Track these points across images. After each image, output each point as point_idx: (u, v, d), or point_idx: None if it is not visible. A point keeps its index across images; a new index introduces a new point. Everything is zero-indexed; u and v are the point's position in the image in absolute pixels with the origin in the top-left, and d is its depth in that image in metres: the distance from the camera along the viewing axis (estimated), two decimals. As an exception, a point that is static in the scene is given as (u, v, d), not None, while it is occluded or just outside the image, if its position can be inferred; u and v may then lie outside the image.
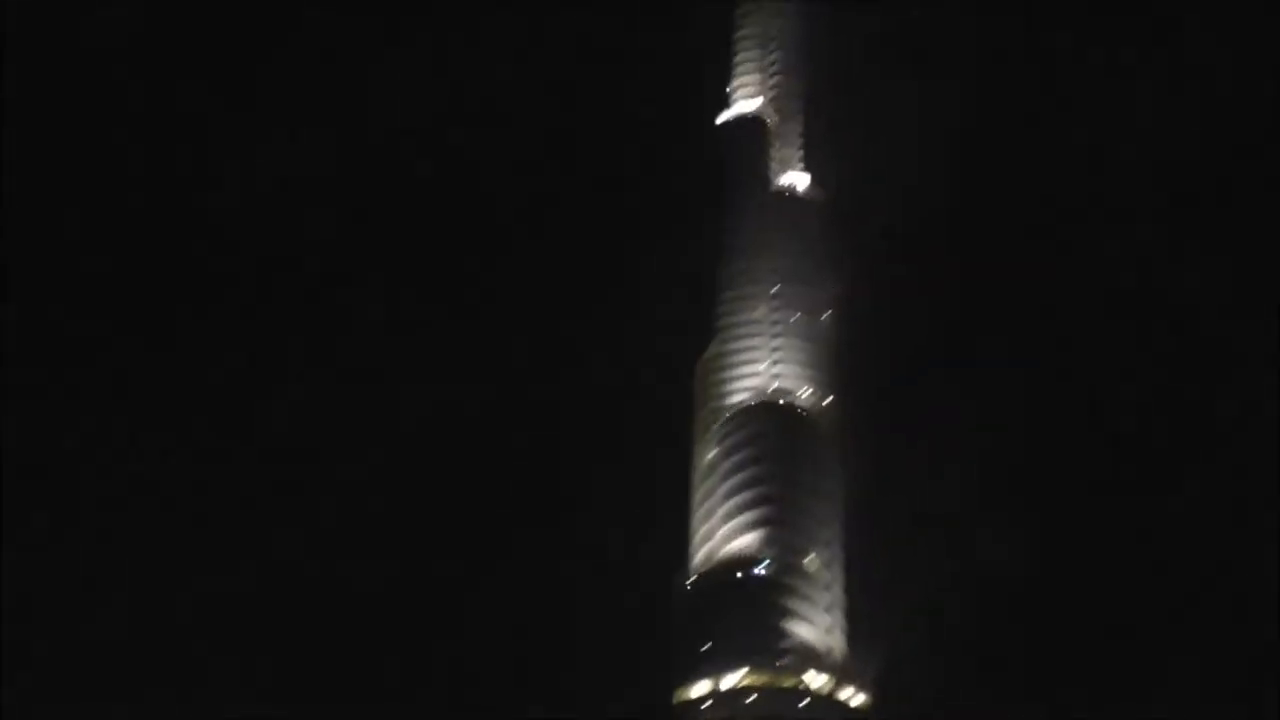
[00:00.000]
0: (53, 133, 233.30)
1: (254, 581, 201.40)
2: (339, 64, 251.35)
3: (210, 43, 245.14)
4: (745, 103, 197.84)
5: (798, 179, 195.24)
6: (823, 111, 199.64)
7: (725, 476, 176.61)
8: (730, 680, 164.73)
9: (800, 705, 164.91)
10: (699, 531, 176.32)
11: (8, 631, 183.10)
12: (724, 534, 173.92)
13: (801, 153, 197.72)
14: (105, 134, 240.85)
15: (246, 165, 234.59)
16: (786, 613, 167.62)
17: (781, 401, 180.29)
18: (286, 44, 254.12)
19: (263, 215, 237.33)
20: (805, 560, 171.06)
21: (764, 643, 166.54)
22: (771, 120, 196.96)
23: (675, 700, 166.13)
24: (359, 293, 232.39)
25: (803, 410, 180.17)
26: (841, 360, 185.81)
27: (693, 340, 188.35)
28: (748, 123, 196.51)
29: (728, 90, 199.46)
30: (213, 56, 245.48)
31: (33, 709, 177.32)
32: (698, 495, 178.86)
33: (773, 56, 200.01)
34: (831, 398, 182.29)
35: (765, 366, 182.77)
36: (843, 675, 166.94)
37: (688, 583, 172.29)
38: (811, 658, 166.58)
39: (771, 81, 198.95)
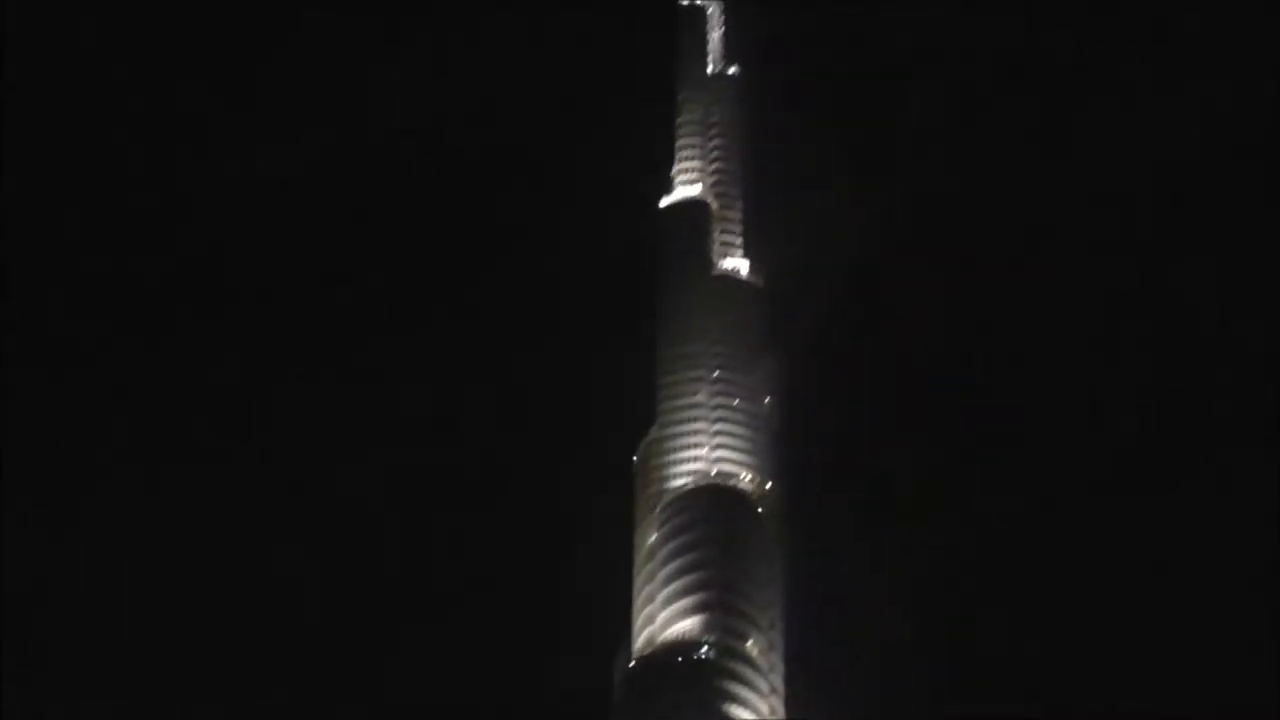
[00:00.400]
0: (53, 133, 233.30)
1: (255, 583, 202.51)
2: (339, 64, 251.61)
3: (210, 43, 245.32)
4: (687, 187, 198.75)
5: (739, 264, 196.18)
6: (763, 197, 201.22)
7: (666, 560, 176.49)
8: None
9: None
10: (640, 615, 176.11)
11: (7, 631, 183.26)
12: (665, 618, 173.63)
13: (742, 238, 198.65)
14: (105, 134, 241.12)
15: (246, 165, 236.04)
16: (727, 697, 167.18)
17: (723, 485, 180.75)
18: (286, 44, 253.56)
19: (262, 216, 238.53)
20: (746, 644, 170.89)
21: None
22: (713, 205, 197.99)
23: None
24: (356, 293, 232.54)
25: (744, 494, 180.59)
26: (782, 444, 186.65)
27: (633, 424, 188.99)
28: (689, 207, 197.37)
29: (670, 175, 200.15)
30: (213, 56, 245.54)
31: (33, 708, 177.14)
32: (639, 579, 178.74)
33: (714, 142, 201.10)
34: (773, 482, 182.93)
35: (707, 450, 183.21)
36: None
37: (629, 665, 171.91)
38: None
39: (713, 167, 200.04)
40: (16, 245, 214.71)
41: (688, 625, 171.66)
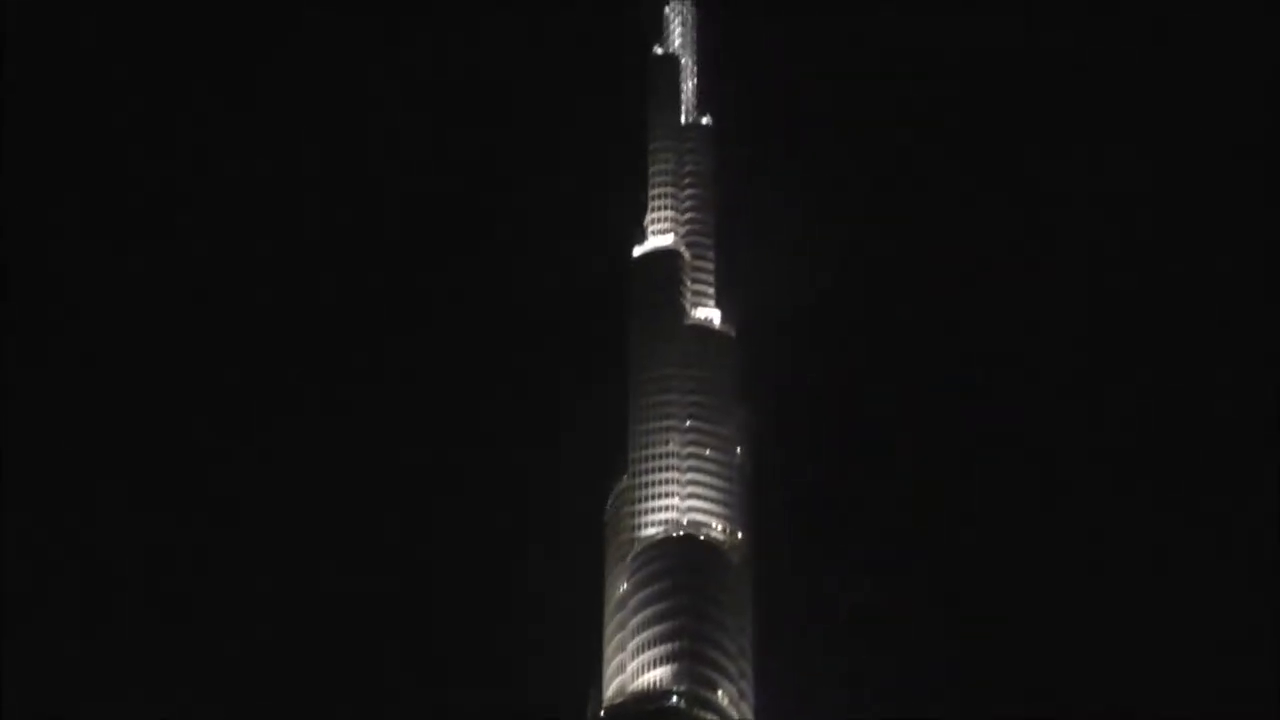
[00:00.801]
0: (53, 133, 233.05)
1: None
2: (339, 64, 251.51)
3: (210, 43, 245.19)
4: (660, 237, 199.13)
5: (711, 314, 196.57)
6: (736, 247, 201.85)
7: (637, 609, 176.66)
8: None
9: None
10: (611, 663, 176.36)
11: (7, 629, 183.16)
12: (635, 667, 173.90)
13: (714, 288, 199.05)
14: (105, 134, 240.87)
15: (246, 165, 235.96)
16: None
17: (695, 535, 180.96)
18: (286, 43, 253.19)
19: (262, 217, 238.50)
20: (717, 694, 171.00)
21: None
22: (686, 255, 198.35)
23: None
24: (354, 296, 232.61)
25: (716, 544, 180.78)
26: (753, 494, 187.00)
27: (605, 472, 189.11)
28: (663, 257, 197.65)
29: (644, 224, 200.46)
30: (213, 57, 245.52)
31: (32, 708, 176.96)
32: (610, 627, 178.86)
33: (688, 192, 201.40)
34: (744, 531, 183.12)
35: (678, 500, 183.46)
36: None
37: (599, 714, 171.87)
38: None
39: (686, 217, 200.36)
40: (16, 245, 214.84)
41: (658, 674, 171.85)
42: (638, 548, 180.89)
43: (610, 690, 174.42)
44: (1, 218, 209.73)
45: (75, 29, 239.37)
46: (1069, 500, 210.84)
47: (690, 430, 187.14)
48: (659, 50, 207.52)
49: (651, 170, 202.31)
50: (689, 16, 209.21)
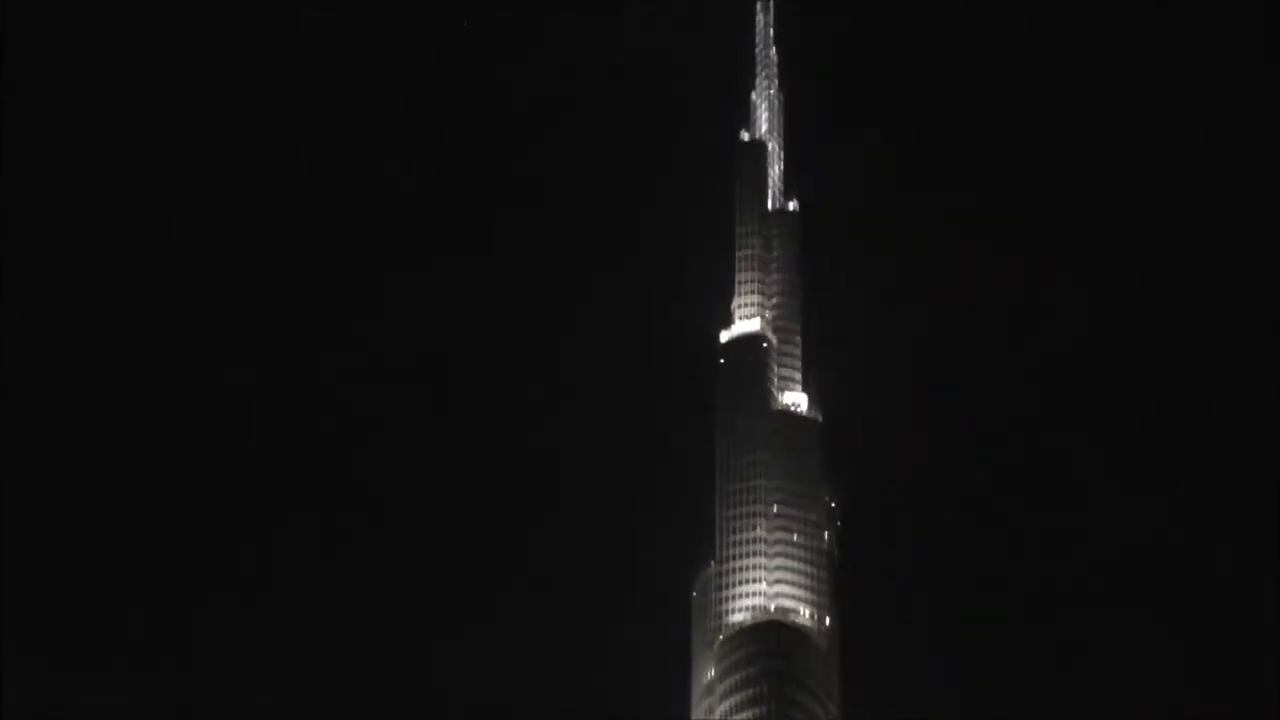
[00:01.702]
0: (53, 133, 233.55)
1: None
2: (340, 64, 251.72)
3: (211, 44, 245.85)
4: (747, 322, 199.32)
5: (797, 399, 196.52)
6: (823, 332, 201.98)
7: (725, 695, 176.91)
8: None
9: None
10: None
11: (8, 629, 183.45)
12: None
13: (800, 373, 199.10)
14: (105, 134, 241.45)
15: (247, 166, 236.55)
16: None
17: (781, 621, 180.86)
18: (287, 45, 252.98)
19: (263, 217, 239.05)
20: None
21: None
22: (773, 340, 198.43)
23: None
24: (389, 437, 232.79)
25: (802, 629, 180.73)
26: (840, 579, 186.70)
27: (692, 557, 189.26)
28: (750, 342, 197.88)
29: (731, 308, 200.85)
30: (213, 57, 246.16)
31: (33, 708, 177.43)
32: (696, 714, 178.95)
33: (774, 277, 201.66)
34: (830, 617, 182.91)
35: (765, 585, 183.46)
36: None
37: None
38: None
39: (773, 302, 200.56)
40: (16, 245, 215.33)
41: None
42: (725, 633, 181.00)
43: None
44: (1, 218, 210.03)
45: (75, 29, 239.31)
46: (1152, 592, 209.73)
47: (778, 516, 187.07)
48: (746, 136, 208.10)
49: (739, 255, 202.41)
50: (775, 102, 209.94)
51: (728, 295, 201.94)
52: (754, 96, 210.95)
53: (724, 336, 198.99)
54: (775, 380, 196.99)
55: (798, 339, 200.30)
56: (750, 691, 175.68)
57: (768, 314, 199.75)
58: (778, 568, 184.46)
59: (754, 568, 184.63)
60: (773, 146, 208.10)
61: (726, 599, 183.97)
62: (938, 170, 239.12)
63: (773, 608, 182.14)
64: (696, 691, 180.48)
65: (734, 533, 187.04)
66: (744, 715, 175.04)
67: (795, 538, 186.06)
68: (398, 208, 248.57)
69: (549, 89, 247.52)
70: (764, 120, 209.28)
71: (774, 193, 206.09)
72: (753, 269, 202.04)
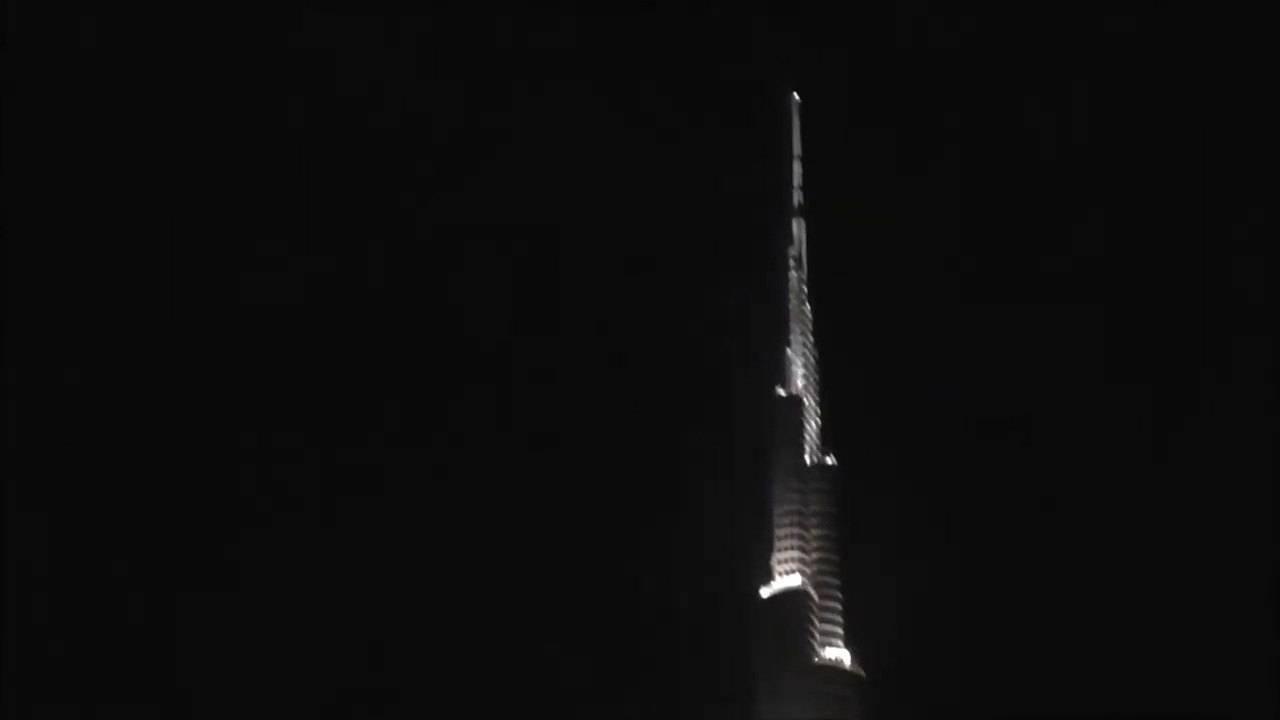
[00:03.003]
0: (53, 133, 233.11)
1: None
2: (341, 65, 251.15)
3: (213, 46, 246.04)
4: (787, 577, 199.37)
5: (840, 655, 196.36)
6: (865, 588, 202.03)
7: None
8: None
9: None
10: None
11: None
12: None
13: (842, 629, 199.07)
14: (105, 134, 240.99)
15: (250, 167, 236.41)
16: None
17: None
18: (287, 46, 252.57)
19: (263, 218, 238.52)
20: None
21: None
22: (814, 595, 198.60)
23: None
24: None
25: None
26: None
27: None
28: (791, 597, 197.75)
29: (769, 564, 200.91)
30: (214, 59, 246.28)
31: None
32: None
33: (814, 532, 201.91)
34: None
35: None
36: None
37: None
38: None
39: (814, 557, 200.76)
40: (16, 245, 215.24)
41: None
42: None
43: None
44: (1, 218, 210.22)
45: (75, 29, 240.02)
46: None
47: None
48: (781, 391, 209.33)
49: (777, 511, 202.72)
50: (810, 358, 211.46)
51: (764, 549, 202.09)
52: (789, 352, 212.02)
53: (764, 593, 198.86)
54: (817, 636, 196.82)
55: (839, 595, 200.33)
56: None
57: (809, 569, 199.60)
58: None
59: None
60: (809, 401, 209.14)
61: None
62: (980, 416, 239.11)
63: None
64: None
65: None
66: None
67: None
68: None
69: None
70: (799, 376, 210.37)
71: (811, 447, 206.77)
72: (792, 524, 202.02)
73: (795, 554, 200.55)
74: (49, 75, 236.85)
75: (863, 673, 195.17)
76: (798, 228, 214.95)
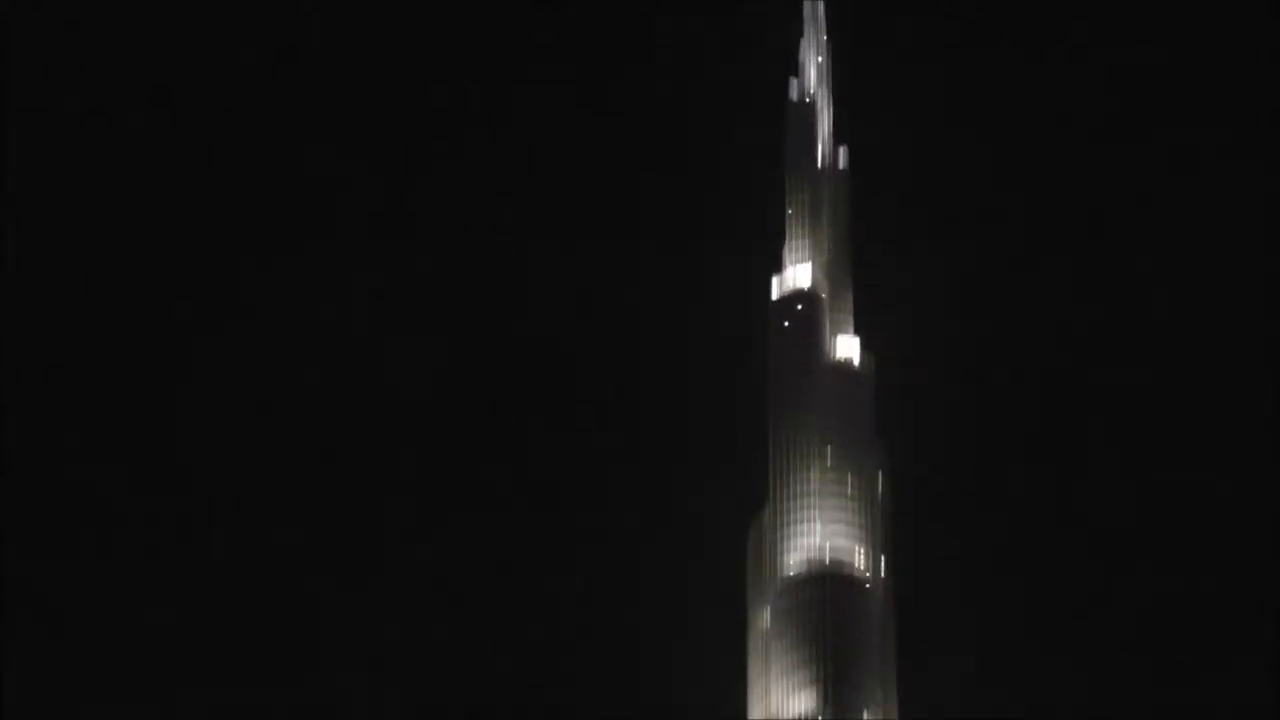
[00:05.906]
0: (53, 134, 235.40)
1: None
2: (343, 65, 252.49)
3: (211, 45, 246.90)
4: (798, 268, 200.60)
5: (849, 346, 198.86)
6: (875, 282, 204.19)
7: (781, 642, 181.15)
8: None
9: None
10: (753, 689, 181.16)
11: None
12: (779, 693, 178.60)
13: (853, 320, 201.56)
14: (105, 134, 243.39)
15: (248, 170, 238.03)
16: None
17: (836, 572, 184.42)
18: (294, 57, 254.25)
19: (263, 219, 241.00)
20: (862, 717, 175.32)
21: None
22: (824, 290, 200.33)
23: None
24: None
25: (858, 579, 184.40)
26: (894, 526, 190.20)
27: (747, 505, 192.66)
28: (801, 294, 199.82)
29: (781, 256, 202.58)
30: (214, 61, 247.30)
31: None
32: (752, 664, 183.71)
33: (826, 232, 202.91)
34: (886, 566, 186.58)
35: (819, 535, 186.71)
36: None
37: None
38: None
39: (825, 258, 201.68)
40: (16, 245, 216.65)
41: (802, 700, 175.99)
42: (779, 583, 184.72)
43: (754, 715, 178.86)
44: (1, 218, 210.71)
45: (76, 29, 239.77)
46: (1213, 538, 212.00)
47: (831, 464, 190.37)
48: (794, 94, 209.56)
49: (789, 212, 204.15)
50: (825, 57, 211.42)
51: (777, 248, 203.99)
52: (801, 52, 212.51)
53: (774, 286, 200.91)
54: (828, 329, 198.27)
55: (850, 289, 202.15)
56: (805, 634, 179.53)
57: (819, 263, 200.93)
58: (832, 519, 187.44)
59: (809, 519, 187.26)
60: (822, 103, 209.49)
61: (781, 548, 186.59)
62: (994, 122, 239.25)
63: (827, 559, 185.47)
64: (753, 639, 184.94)
65: (786, 481, 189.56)
66: (799, 655, 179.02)
67: (849, 486, 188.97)
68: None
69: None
70: (812, 77, 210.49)
71: (824, 150, 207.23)
72: (803, 221, 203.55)
73: (806, 247, 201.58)
74: (49, 75, 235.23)
75: (872, 365, 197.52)
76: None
